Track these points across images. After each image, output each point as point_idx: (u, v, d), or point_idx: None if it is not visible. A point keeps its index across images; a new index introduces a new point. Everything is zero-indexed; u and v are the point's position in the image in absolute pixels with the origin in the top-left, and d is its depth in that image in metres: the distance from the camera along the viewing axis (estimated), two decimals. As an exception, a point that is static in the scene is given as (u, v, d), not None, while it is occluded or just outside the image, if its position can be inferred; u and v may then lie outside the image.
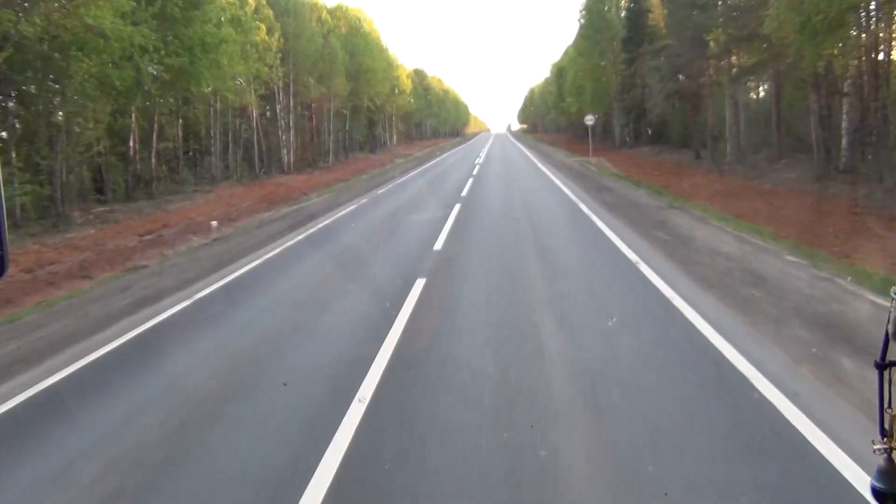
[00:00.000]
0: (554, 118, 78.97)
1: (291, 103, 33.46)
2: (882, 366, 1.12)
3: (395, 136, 70.85)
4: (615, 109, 41.65)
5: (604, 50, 40.48)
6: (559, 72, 62.65)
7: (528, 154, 43.68)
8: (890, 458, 1.09)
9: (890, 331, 1.05)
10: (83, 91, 15.40)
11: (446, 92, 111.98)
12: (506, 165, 32.25)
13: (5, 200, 1.15)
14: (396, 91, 63.18)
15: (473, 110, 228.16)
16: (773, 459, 3.46)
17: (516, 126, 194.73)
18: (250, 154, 29.49)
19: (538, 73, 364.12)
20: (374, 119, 55.16)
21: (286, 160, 32.55)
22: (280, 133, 32.59)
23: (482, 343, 5.75)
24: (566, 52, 55.88)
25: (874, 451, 1.11)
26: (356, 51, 45.52)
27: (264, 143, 31.02)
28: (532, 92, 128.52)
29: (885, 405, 1.12)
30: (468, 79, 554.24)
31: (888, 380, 1.11)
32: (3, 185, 1.19)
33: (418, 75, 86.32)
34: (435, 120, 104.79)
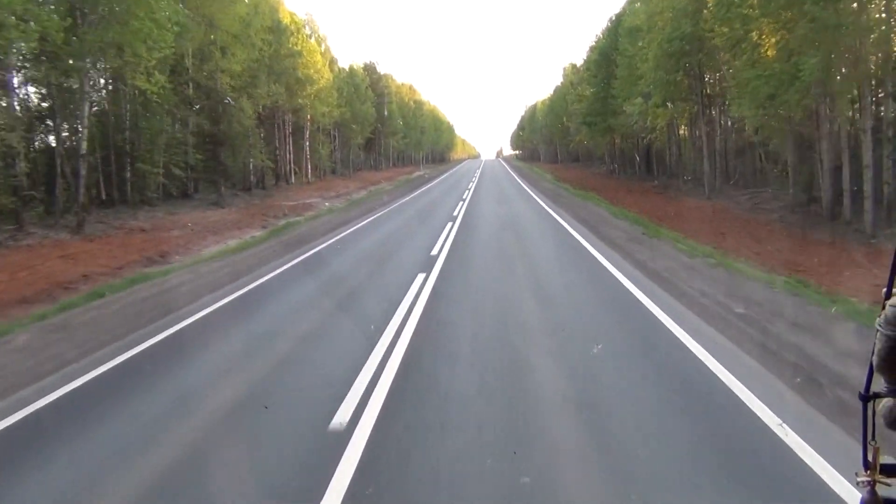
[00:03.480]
0: (580, 143, 48.79)
1: None
2: (866, 398, 1.09)
3: (308, 165, 41.22)
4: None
5: None
6: (600, 56, 33.39)
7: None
8: (873, 491, 1.07)
9: (874, 362, 1.05)
10: None
11: (419, 104, 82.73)
12: None
13: None
14: (297, 80, 33.74)
15: (462, 134, 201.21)
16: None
17: (508, 151, 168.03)
18: None
19: (533, 95, 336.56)
20: (221, 135, 25.49)
21: None
22: None
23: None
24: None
25: (858, 483, 1.09)
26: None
27: None
28: (534, 109, 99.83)
29: (869, 437, 1.09)
30: (458, 104, 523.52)
31: (872, 412, 1.07)
32: None
33: (369, 72, 57.07)
34: (402, 141, 75.29)
